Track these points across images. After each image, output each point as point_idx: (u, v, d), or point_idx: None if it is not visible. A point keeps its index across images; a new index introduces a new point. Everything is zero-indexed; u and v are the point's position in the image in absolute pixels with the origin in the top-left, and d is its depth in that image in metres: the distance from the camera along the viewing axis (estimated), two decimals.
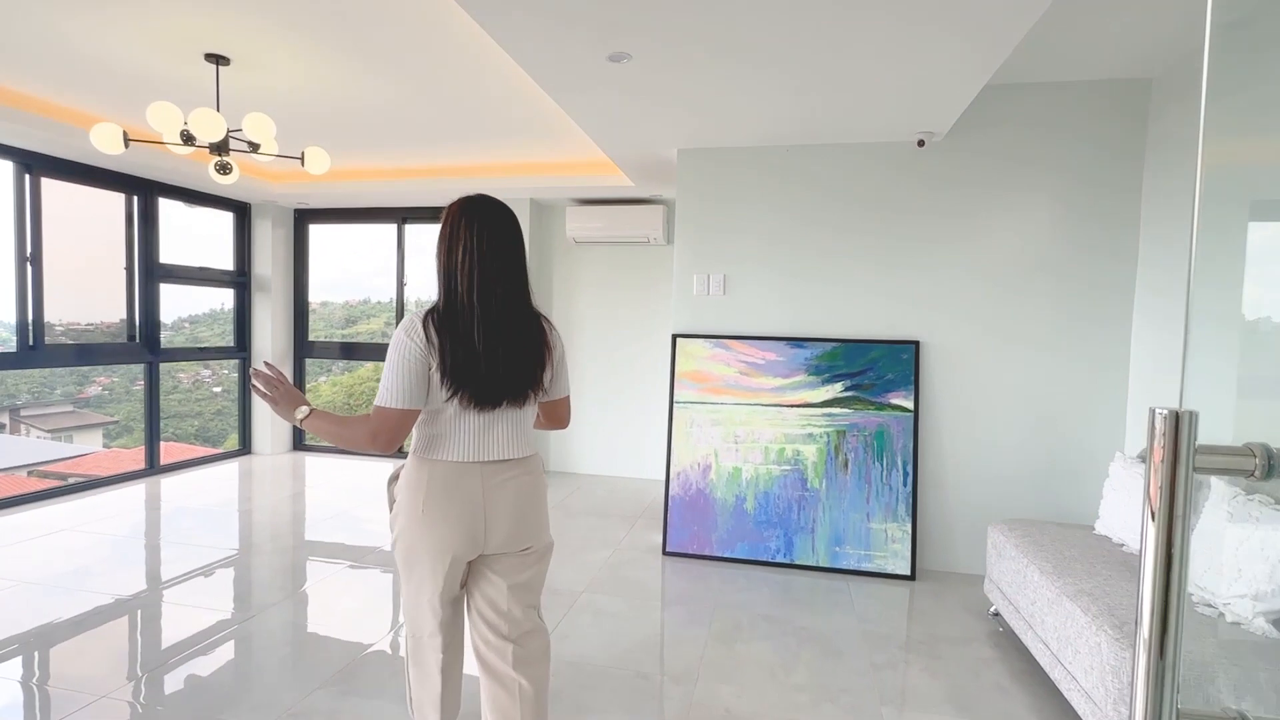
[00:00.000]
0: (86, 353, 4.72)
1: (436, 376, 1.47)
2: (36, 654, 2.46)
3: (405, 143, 4.33)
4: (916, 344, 3.46)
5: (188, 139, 2.95)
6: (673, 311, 3.76)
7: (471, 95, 3.39)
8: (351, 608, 2.94)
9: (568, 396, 1.75)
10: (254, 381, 1.53)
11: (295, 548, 3.67)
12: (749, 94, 2.87)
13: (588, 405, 5.48)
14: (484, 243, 1.53)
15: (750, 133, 3.42)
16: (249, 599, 3.00)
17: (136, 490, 4.74)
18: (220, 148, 2.98)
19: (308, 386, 6.39)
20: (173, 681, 2.30)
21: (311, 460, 5.88)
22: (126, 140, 2.83)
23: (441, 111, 3.68)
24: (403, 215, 5.80)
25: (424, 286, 6.17)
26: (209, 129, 2.67)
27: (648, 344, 5.35)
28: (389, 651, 2.56)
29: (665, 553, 3.62)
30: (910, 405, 3.42)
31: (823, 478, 3.47)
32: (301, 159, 3.16)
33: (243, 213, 5.80)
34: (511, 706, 1.59)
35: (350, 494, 4.79)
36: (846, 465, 3.45)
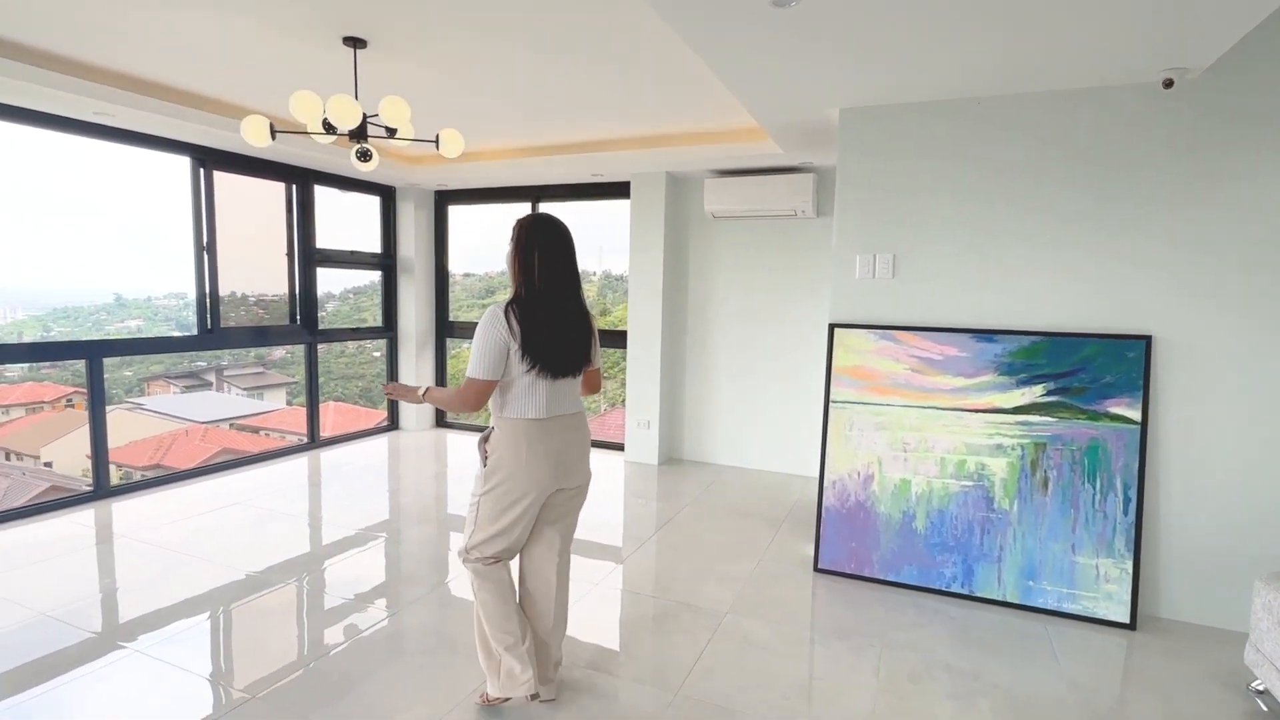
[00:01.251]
0: (254, 335, 5.05)
1: (515, 355, 1.92)
2: (222, 621, 2.57)
3: (538, 119, 4.14)
4: (1148, 339, 2.77)
5: (329, 128, 2.90)
6: (830, 298, 3.29)
7: (608, 61, 3.09)
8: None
9: (600, 367, 2.20)
10: (387, 392, 2.16)
11: (440, 528, 3.71)
12: (937, 33, 2.33)
13: (723, 392, 5.14)
14: (552, 252, 1.96)
15: (932, 83, 2.85)
16: (401, 586, 3.00)
17: (299, 464, 5.04)
18: (358, 134, 2.90)
19: (450, 354, 6.51)
20: (332, 684, 2.29)
21: (452, 437, 6.03)
22: (273, 131, 2.82)
23: (577, 84, 3.41)
24: (536, 194, 5.69)
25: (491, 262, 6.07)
26: (346, 115, 2.59)
27: (792, 328, 4.88)
28: (594, 608, 2.41)
29: (817, 569, 3.24)
30: (1136, 416, 2.75)
31: (1014, 498, 2.91)
32: (436, 142, 3.03)
33: (388, 197, 5.96)
34: (548, 605, 2.15)
35: None
36: (1046, 484, 2.86)
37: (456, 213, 6.23)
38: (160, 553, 3.29)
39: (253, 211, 4.92)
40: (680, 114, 3.95)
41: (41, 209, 4.45)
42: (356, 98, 2.93)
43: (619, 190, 5.32)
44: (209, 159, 4.48)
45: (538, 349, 1.92)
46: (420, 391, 2.07)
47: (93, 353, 4.01)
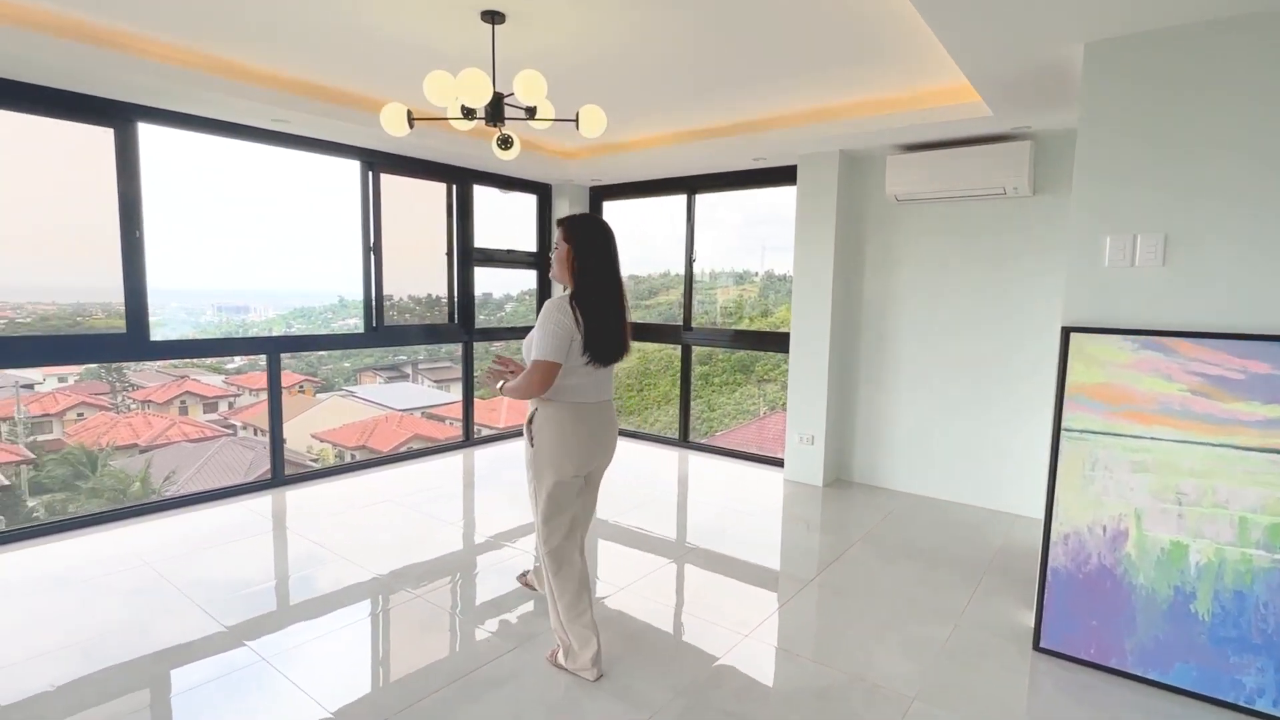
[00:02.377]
0: (415, 333, 5.17)
1: (577, 345, 2.11)
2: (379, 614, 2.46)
3: (694, 98, 3.71)
4: None
5: (468, 113, 2.70)
6: (1064, 294, 2.51)
7: (774, 17, 2.58)
8: (670, 604, 2.71)
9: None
10: (497, 366, 2.32)
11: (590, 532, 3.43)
12: None
13: (905, 407, 4.37)
14: (605, 251, 2.20)
15: None
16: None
17: (454, 461, 5.07)
18: (495, 115, 2.67)
19: None
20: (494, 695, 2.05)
21: None
22: (411, 120, 2.67)
23: (738, 51, 2.94)
24: (692, 185, 5.28)
25: (713, 258, 5.64)
26: (476, 90, 2.35)
27: (998, 331, 4.01)
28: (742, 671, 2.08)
29: (1038, 648, 2.48)
30: None
31: None
32: (576, 121, 2.71)
33: (544, 194, 5.88)
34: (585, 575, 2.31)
35: (642, 477, 4.50)
36: None
37: (611, 208, 6.01)
38: (317, 544, 3.34)
39: (414, 212, 5.02)
40: (859, 78, 3.32)
41: (279, 221, 4.80)
42: (495, 79, 2.69)
43: (783, 176, 4.75)
44: (377, 162, 4.61)
45: (596, 339, 2.13)
46: (498, 386, 2.26)
47: (270, 348, 4.25)
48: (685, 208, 5.35)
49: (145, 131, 3.59)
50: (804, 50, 2.96)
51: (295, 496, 4.10)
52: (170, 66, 3.16)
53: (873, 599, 2.89)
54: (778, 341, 4.89)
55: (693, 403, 5.77)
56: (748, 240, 4.31)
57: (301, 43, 3.04)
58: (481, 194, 5.40)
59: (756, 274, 6.85)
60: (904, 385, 4.37)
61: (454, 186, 5.17)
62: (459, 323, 5.31)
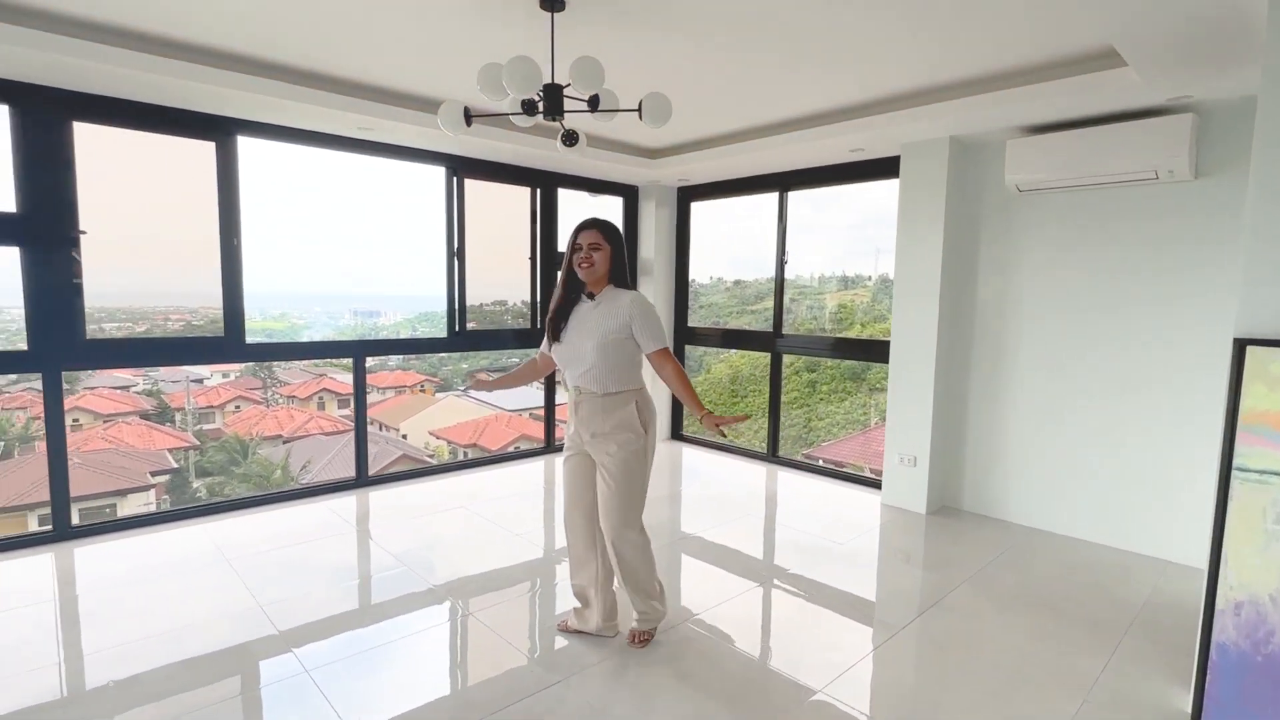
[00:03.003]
0: (497, 337, 5.16)
1: None
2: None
3: (782, 81, 3.40)
4: None
5: (529, 108, 2.55)
6: (1239, 296, 1.99)
7: None
8: (756, 631, 2.58)
9: None
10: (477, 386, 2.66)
11: (670, 550, 3.26)
12: None
13: (1027, 426, 3.81)
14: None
15: None
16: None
17: (535, 467, 5.01)
18: (553, 108, 2.51)
19: (697, 363, 6.12)
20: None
21: (689, 452, 5.57)
22: (469, 117, 2.57)
23: (829, 25, 2.61)
24: (784, 182, 4.93)
25: (821, 261, 5.25)
26: (524, 78, 2.19)
27: (1144, 343, 3.40)
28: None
29: None
30: None
31: None
32: (639, 110, 2.50)
33: (631, 196, 5.73)
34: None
35: (727, 493, 4.23)
36: None
37: (700, 210, 5.76)
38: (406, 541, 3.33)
39: (497, 217, 5.01)
40: (973, 50, 2.88)
41: (406, 229, 4.93)
42: (553, 73, 2.53)
43: (884, 169, 4.31)
44: (461, 167, 4.63)
45: None
46: (699, 415, 2.27)
47: (356, 351, 4.35)
48: (777, 207, 5.01)
49: (244, 144, 3.76)
50: (908, 23, 2.59)
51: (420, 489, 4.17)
52: (265, 80, 3.26)
53: (980, 656, 2.46)
54: (877, 351, 4.45)
55: (792, 413, 5.43)
56: (859, 242, 3.95)
57: (380, 50, 3.03)
58: (566, 198, 5.32)
59: (870, 278, 6.39)
60: (1026, 401, 3.81)
61: (538, 190, 5.12)
62: (542, 327, 5.24)
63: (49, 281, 3.26)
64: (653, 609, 2.47)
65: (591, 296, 2.40)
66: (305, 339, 3.83)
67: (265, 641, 2.47)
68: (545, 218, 5.17)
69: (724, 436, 2.37)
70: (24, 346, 3.25)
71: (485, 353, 4.99)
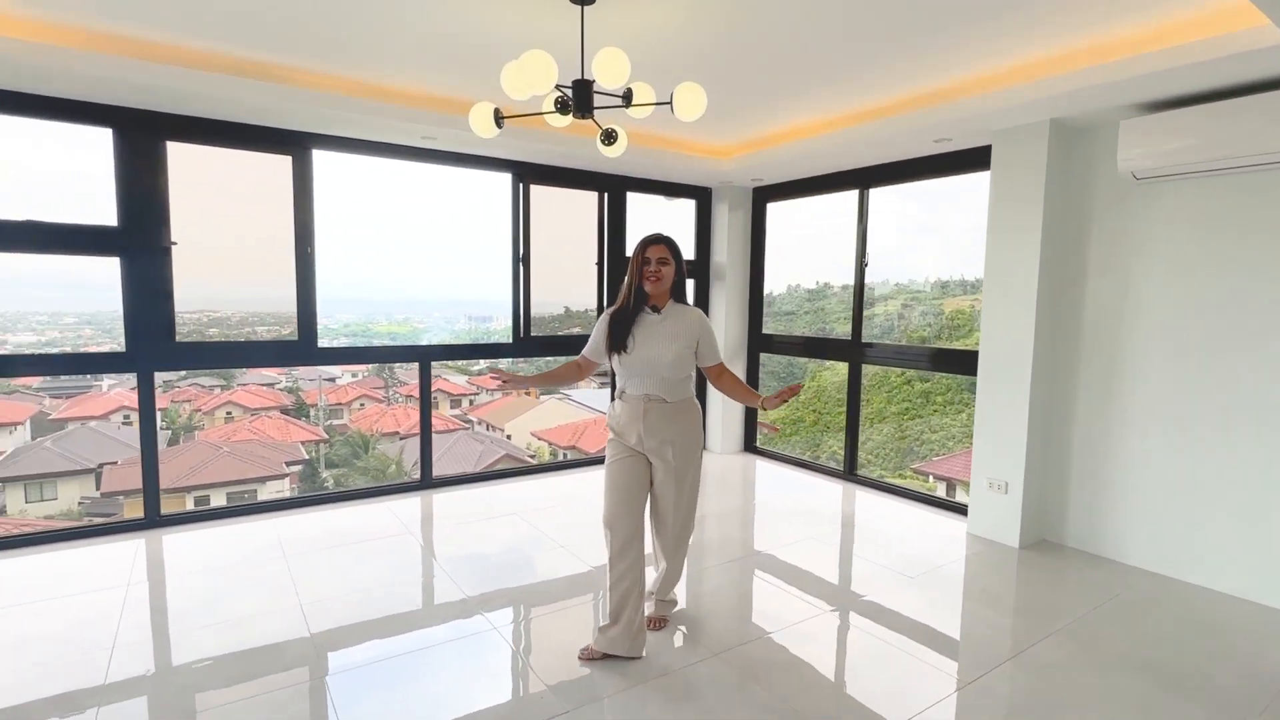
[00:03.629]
0: (559, 344, 5.12)
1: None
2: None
3: (854, 65, 3.11)
4: None
5: (562, 107, 2.46)
6: None
7: None
8: (831, 658, 2.44)
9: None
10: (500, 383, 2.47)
11: (740, 570, 3.11)
12: None
13: (1141, 450, 3.27)
14: None
15: None
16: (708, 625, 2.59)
17: (593, 476, 4.93)
18: (583, 106, 2.40)
19: (764, 368, 5.83)
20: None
21: (763, 465, 5.29)
22: (499, 119, 2.50)
23: None
24: (864, 178, 4.56)
25: (939, 265, 4.83)
26: (540, 73, 2.09)
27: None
28: None
29: None
30: None
31: None
32: (670, 104, 2.34)
33: (704, 199, 5.54)
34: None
35: (801, 511, 3.96)
36: None
37: (777, 211, 5.48)
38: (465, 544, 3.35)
39: (563, 223, 4.98)
40: (1080, 11, 2.48)
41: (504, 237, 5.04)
42: (584, 68, 2.42)
43: (974, 160, 3.87)
44: (526, 173, 4.64)
45: None
46: (759, 403, 2.41)
47: (421, 356, 4.45)
48: (857, 205, 4.65)
49: (320, 157, 3.94)
50: None
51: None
52: (337, 95, 3.39)
53: None
54: (963, 362, 4.00)
55: (904, 424, 5.03)
56: (979, 244, 3.57)
57: (439, 61, 3.06)
58: (636, 202, 5.21)
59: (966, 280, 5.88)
60: (1148, 421, 3.27)
61: (605, 195, 5.05)
62: None
63: (144, 289, 3.54)
64: (671, 601, 2.76)
65: (655, 309, 2.46)
66: (424, 342, 4.03)
67: (298, 644, 2.51)
68: (613, 223, 5.09)
69: (785, 403, 2.38)
70: (122, 349, 3.55)
71: (548, 358, 4.96)
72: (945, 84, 3.27)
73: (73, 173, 3.41)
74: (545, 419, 12.34)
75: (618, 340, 2.42)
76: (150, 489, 3.66)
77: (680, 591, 2.93)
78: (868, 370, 7.14)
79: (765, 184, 5.30)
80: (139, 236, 3.50)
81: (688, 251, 5.57)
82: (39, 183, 3.47)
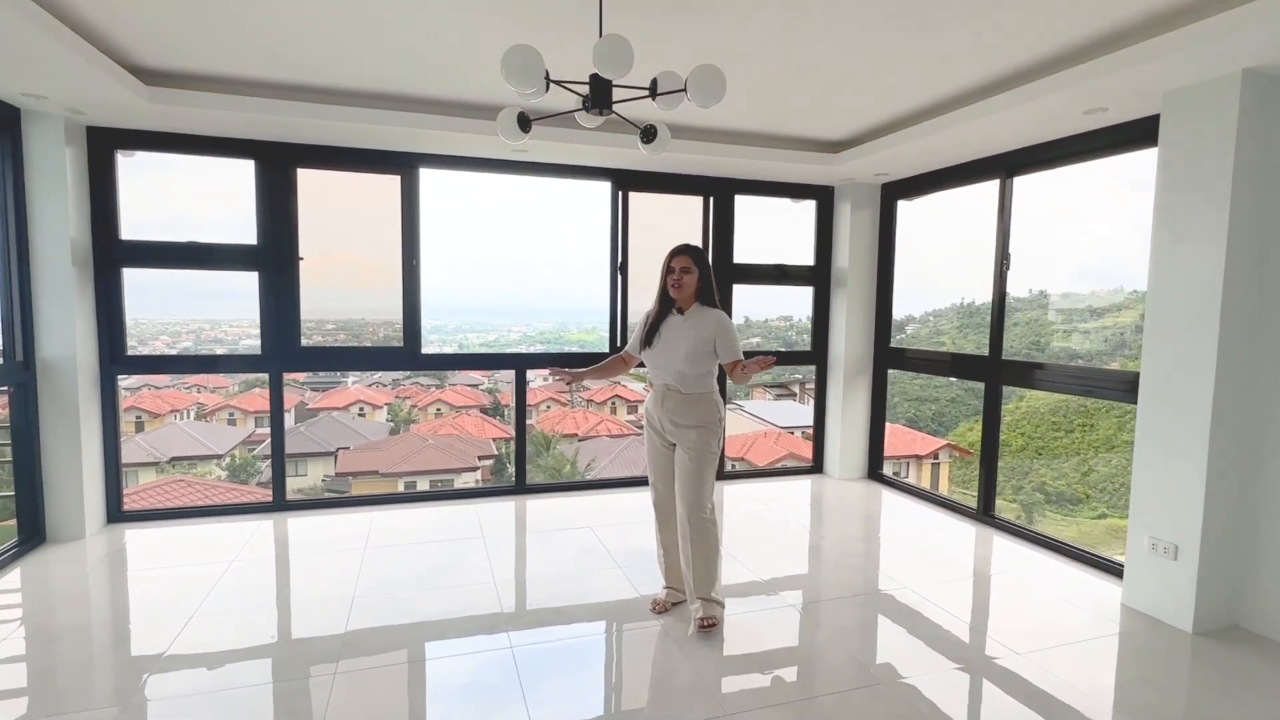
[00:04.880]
0: None
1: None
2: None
3: (964, 21, 2.62)
4: None
5: (591, 104, 2.33)
6: None
7: None
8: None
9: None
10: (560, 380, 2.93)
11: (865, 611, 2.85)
12: None
13: None
14: None
15: None
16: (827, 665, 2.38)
17: (773, 488, 4.72)
18: (599, 101, 2.24)
19: (892, 384, 5.19)
20: None
21: (889, 497, 4.70)
22: (526, 123, 2.43)
23: None
24: (1007, 165, 3.86)
25: (1042, 274, 4.03)
26: (526, 70, 1.96)
27: None
28: None
29: None
30: None
31: None
32: (685, 89, 2.10)
33: (824, 199, 5.07)
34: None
35: (930, 551, 3.47)
36: None
37: (912, 210, 4.86)
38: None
39: (665, 229, 4.83)
40: None
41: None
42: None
43: (1137, 134, 3.08)
44: (626, 180, 4.57)
45: None
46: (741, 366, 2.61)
47: (518, 364, 4.55)
48: (997, 195, 3.95)
49: (426, 175, 4.20)
50: None
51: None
52: (437, 116, 3.59)
53: None
54: (1107, 386, 3.19)
55: (1108, 458, 4.25)
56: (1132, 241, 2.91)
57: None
58: (747, 205, 4.92)
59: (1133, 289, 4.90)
60: None
61: (710, 199, 4.82)
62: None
63: (276, 299, 4.01)
64: (713, 601, 2.72)
65: (681, 311, 2.75)
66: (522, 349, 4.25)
67: (324, 641, 2.62)
68: (720, 227, 4.84)
69: (764, 369, 2.53)
70: (259, 351, 4.05)
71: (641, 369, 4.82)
72: (1099, 29, 2.59)
73: (223, 199, 3.96)
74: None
75: (647, 338, 2.79)
76: (278, 475, 4.12)
77: (794, 621, 2.81)
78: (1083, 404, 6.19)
79: (893, 179, 4.72)
80: (273, 252, 3.98)
81: (807, 257, 5.15)
82: (196, 208, 4.07)
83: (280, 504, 4.14)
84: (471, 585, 3.11)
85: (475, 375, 10.18)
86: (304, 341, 4.11)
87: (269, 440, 4.16)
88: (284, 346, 4.05)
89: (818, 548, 3.69)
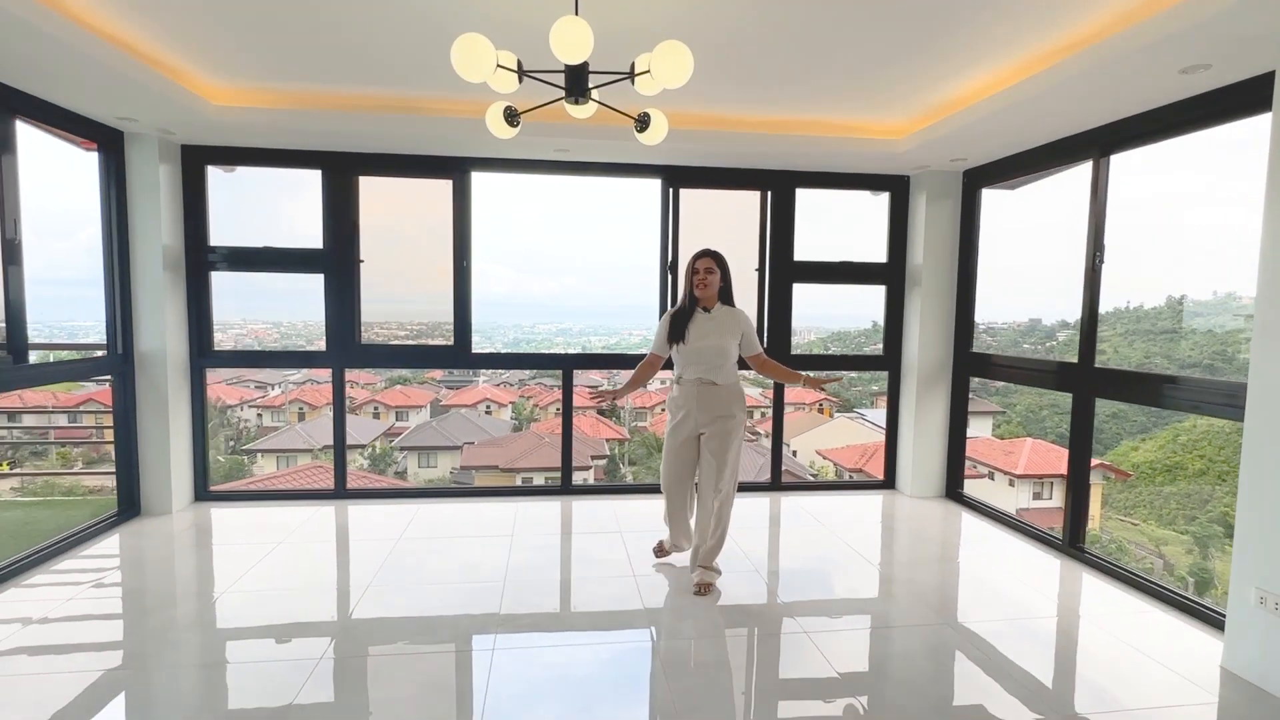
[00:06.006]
0: None
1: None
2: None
3: None
4: None
5: (571, 93, 2.26)
6: None
7: None
8: None
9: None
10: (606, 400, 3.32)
11: (940, 632, 2.58)
12: None
13: None
14: None
15: None
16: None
17: (761, 504, 4.48)
18: (576, 88, 2.15)
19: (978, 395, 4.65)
20: None
21: (969, 520, 4.23)
22: (513, 117, 2.38)
23: None
24: (1102, 142, 3.32)
25: (1138, 279, 3.45)
26: (476, 57, 1.90)
27: None
28: None
29: None
30: None
31: None
32: (631, 75, 1.95)
33: (899, 189, 4.65)
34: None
35: (1015, 583, 3.11)
36: None
37: (999, 201, 4.34)
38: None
39: (719, 226, 4.64)
40: None
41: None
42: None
43: (1245, 98, 2.52)
44: (677, 176, 4.43)
45: None
46: (800, 382, 3.08)
47: (565, 364, 4.55)
48: (1090, 179, 3.41)
49: (478, 179, 4.31)
50: None
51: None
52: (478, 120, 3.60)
53: None
54: (1227, 399, 2.61)
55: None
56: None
57: None
58: (813, 199, 4.61)
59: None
60: None
61: (768, 193, 4.56)
62: (770, 348, 4.65)
63: (338, 299, 4.27)
64: (713, 570, 3.05)
65: (707, 310, 3.04)
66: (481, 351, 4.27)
67: (329, 624, 2.72)
68: (778, 223, 4.58)
69: (823, 390, 3.03)
70: (323, 348, 4.33)
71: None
72: None
73: (296, 207, 4.27)
74: (833, 437, 11.97)
75: (677, 334, 3.00)
76: (340, 466, 4.38)
77: (864, 649, 2.63)
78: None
79: (974, 165, 4.23)
80: (337, 256, 4.24)
81: (879, 254, 4.74)
82: (272, 216, 4.42)
83: (341, 492, 4.40)
84: (474, 583, 3.12)
85: (595, 376, 10.51)
86: (363, 339, 4.35)
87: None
88: (345, 344, 4.30)
89: (888, 571, 3.37)
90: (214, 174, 4.21)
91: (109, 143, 3.69)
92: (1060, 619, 2.89)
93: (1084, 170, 3.45)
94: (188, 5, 2.51)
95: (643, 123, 2.43)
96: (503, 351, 5.66)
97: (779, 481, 4.80)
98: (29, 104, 3.11)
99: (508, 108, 2.38)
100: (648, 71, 1.98)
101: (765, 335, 4.64)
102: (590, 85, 2.19)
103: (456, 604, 2.90)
